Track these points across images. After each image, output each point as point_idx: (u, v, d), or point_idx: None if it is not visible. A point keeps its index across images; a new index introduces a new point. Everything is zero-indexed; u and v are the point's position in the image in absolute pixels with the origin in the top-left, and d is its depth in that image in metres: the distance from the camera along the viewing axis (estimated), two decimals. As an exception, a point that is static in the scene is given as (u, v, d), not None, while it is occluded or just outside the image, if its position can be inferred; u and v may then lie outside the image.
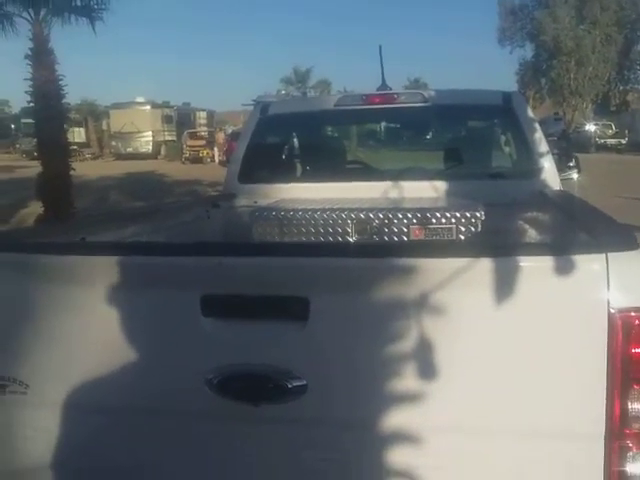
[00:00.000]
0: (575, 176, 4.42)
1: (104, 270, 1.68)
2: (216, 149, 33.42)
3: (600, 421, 1.48)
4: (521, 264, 1.50)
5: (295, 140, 4.13)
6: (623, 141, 39.67)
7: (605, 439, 1.48)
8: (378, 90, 3.92)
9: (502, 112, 3.59)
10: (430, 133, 4.34)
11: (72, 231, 2.39)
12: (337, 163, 4.06)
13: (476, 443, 1.54)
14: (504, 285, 1.49)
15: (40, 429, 1.77)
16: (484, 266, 1.51)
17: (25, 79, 9.51)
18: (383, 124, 4.13)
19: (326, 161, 3.96)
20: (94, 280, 1.69)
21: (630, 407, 1.48)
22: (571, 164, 4.51)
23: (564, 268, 1.48)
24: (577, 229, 2.16)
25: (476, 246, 1.72)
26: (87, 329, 1.72)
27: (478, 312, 1.52)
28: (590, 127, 40.12)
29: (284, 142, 4.17)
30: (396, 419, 1.56)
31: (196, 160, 33.37)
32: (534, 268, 1.50)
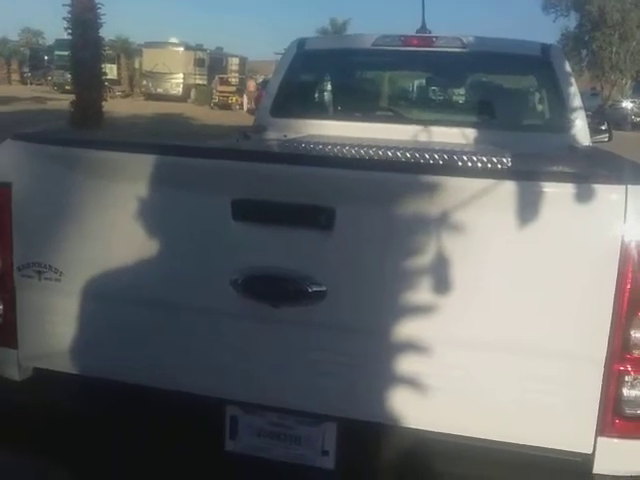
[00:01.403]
0: (605, 140, 4.41)
1: (142, 168, 1.75)
2: (245, 97, 33.29)
3: (603, 344, 1.55)
4: (543, 189, 1.55)
5: (330, 77, 4.14)
6: (661, 121, 38.79)
7: (606, 362, 1.56)
8: (417, 32, 3.91)
9: (539, 63, 3.57)
10: (466, 79, 4.32)
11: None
12: (370, 103, 4.08)
13: (484, 357, 1.61)
14: (524, 208, 1.55)
15: (70, 315, 1.87)
16: (506, 188, 1.56)
17: (64, 5, 9.52)
18: (419, 67, 4.12)
19: (359, 101, 3.98)
20: (131, 177, 1.76)
21: (633, 334, 1.55)
22: (603, 127, 4.49)
23: (584, 196, 1.53)
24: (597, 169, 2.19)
25: (500, 169, 1.77)
26: (121, 224, 1.80)
27: (497, 232, 1.58)
28: (627, 104, 39.22)
29: (319, 78, 4.19)
30: (409, 329, 1.64)
31: (225, 106, 33.29)
32: (554, 194, 1.55)
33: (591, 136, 3.66)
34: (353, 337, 1.69)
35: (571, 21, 50.72)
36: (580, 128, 3.45)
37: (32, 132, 2.11)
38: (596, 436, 1.59)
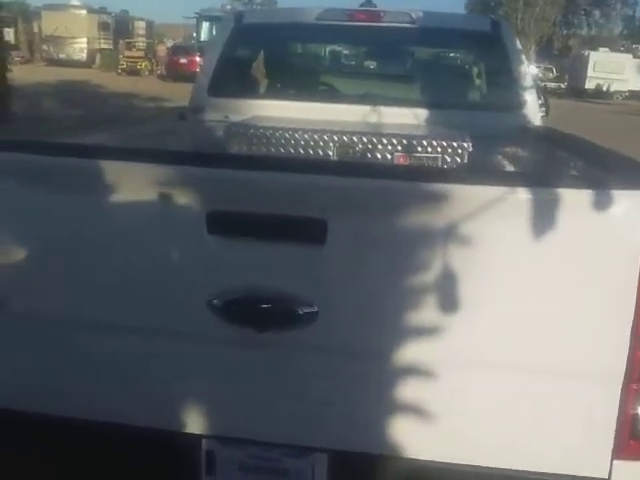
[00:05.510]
0: (542, 114, 4.38)
1: (103, 176, 1.51)
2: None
3: (621, 364, 1.45)
4: (557, 196, 1.41)
5: (271, 54, 3.88)
6: (562, 85, 40.26)
7: (624, 382, 1.46)
8: (362, 6, 3.71)
9: (490, 39, 3.45)
10: (415, 57, 4.17)
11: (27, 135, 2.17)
12: (315, 82, 3.86)
13: (493, 380, 1.48)
14: (537, 218, 1.41)
15: (22, 343, 1.62)
16: (517, 196, 1.42)
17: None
18: (367, 43, 3.93)
19: (303, 79, 3.75)
20: (93, 187, 1.51)
21: None
22: (539, 102, 4.46)
23: (601, 203, 1.41)
24: (583, 164, 2.10)
25: (511, 175, 1.63)
26: (83, 240, 1.55)
27: (508, 245, 1.44)
28: (533, 69, 40.32)
29: (259, 55, 3.92)
30: (410, 352, 1.49)
31: (133, 72, 32.05)
32: (570, 201, 1.41)
33: None
34: (347, 362, 1.52)
35: (478, -13, 51.79)
36: (531, 106, 3.37)
37: None
38: (612, 459, 1.49)
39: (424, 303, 1.46)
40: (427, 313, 1.46)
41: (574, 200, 1.42)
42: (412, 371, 1.51)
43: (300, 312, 1.48)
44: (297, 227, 1.46)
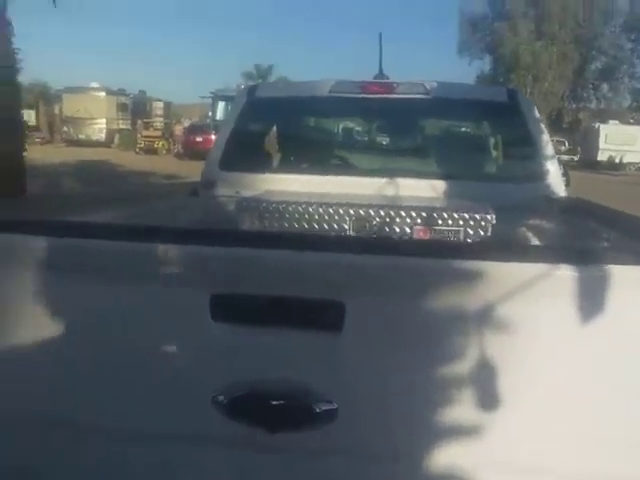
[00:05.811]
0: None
1: (91, 257, 1.36)
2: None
3: None
4: (606, 274, 1.25)
5: (285, 127, 3.82)
6: (575, 158, 40.40)
7: None
8: (375, 78, 3.65)
9: (508, 110, 3.36)
10: (431, 128, 4.09)
11: (38, 213, 2.06)
12: (328, 155, 3.77)
13: None
14: (587, 299, 1.24)
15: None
16: (561, 274, 1.25)
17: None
18: (380, 115, 3.86)
19: (317, 152, 3.67)
20: (77, 269, 1.37)
21: None
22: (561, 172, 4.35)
23: None
24: (623, 238, 1.94)
25: (553, 251, 1.47)
26: (66, 328, 1.40)
27: (550, 329, 1.26)
28: (544, 142, 40.60)
29: (272, 128, 3.86)
30: (442, 454, 1.29)
31: (150, 151, 32.69)
32: (621, 279, 1.25)
33: None
34: (371, 467, 1.33)
35: (485, 64, 52.93)
36: (554, 176, 3.24)
37: None
38: None
39: (457, 397, 1.28)
40: (461, 409, 1.28)
41: (624, 277, 1.25)
42: (444, 477, 1.31)
43: (317, 410, 1.29)
44: (311, 311, 1.30)
